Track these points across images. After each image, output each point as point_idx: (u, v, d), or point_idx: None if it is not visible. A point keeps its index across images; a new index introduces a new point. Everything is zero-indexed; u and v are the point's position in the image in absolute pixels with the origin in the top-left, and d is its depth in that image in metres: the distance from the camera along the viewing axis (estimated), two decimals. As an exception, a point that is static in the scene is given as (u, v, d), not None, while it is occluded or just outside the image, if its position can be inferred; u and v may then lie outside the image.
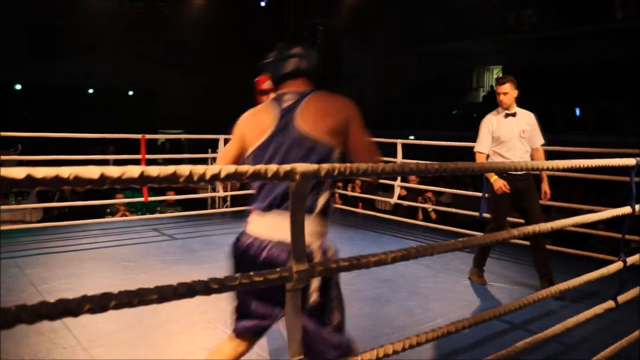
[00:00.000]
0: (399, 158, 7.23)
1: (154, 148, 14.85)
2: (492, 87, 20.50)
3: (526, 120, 4.56)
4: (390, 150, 7.38)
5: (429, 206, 7.65)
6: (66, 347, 3.19)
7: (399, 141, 7.32)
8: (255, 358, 3.15)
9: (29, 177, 1.10)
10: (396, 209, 8.12)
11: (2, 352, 2.95)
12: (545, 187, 4.68)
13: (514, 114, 4.54)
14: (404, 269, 4.88)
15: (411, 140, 9.01)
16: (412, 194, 8.13)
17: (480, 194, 6.24)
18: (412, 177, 7.93)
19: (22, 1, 13.99)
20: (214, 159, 7.80)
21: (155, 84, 17.16)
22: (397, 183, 7.53)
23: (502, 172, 4.40)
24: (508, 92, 4.49)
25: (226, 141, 7.51)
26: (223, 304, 3.85)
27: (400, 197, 7.64)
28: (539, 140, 4.62)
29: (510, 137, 4.52)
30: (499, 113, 4.58)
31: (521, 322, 3.77)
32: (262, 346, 3.30)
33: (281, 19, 17.62)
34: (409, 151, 7.31)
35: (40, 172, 1.13)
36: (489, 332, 3.56)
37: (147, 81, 16.84)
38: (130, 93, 18.19)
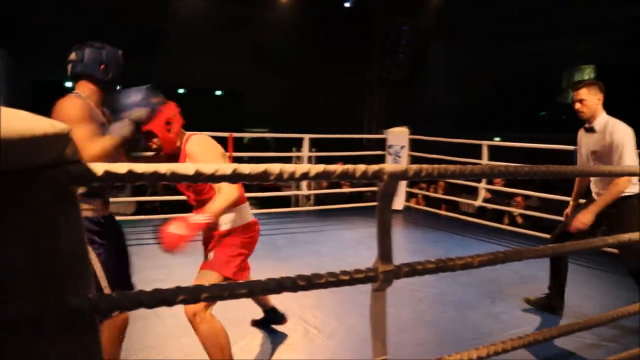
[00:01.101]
0: (484, 160, 7.06)
1: (240, 146, 15.26)
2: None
3: (604, 138, 3.58)
4: (475, 152, 7.22)
5: (515, 210, 7.42)
6: (158, 334, 3.34)
7: (485, 142, 7.14)
8: (336, 356, 3.18)
9: (130, 172, 1.17)
10: (481, 212, 7.93)
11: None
12: (584, 213, 3.58)
13: (592, 129, 3.66)
14: (490, 273, 4.76)
15: (496, 141, 8.78)
16: (497, 197, 7.92)
17: (570, 199, 5.99)
18: (497, 180, 7.72)
19: (118, 6, 14.70)
20: (298, 158, 7.91)
21: (242, 84, 17.58)
22: (482, 185, 7.35)
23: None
24: (585, 98, 3.60)
25: (311, 140, 7.64)
26: (305, 300, 3.93)
27: (485, 200, 7.46)
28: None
29: (582, 158, 3.81)
30: (584, 126, 3.77)
31: (612, 336, 3.59)
32: (346, 345, 3.32)
33: (366, 20, 17.59)
34: (494, 153, 7.13)
35: (140, 167, 1.19)
36: (579, 344, 3.41)
37: (234, 81, 17.28)
38: (218, 93, 18.75)
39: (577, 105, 3.64)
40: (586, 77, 19.68)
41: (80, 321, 1.25)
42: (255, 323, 3.57)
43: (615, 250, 4.96)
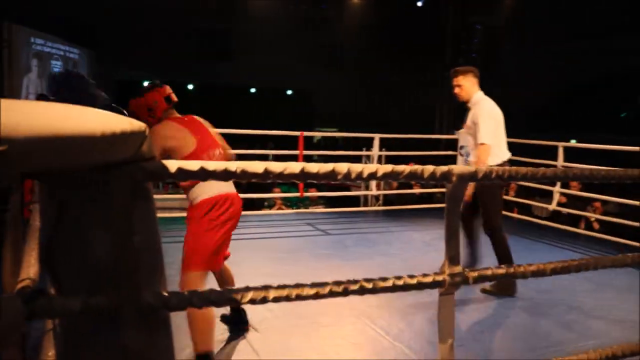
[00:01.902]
0: (560, 162, 6.81)
1: (310, 145, 15.41)
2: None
3: (473, 114, 4.36)
4: (550, 154, 6.97)
5: (592, 215, 7.12)
6: (225, 329, 3.41)
7: (561, 144, 6.89)
8: (402, 357, 3.15)
9: (202, 169, 1.20)
10: (555, 216, 7.65)
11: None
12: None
13: (469, 108, 4.44)
14: (563, 280, 4.57)
15: (573, 143, 8.45)
16: (572, 201, 7.61)
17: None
18: (574, 183, 7.42)
19: (194, 8, 15.11)
20: (368, 157, 7.90)
21: (313, 83, 17.73)
22: (557, 189, 7.10)
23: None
24: (462, 84, 4.36)
25: (381, 140, 7.60)
26: (373, 300, 3.91)
27: (559, 204, 7.20)
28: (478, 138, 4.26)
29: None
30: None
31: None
32: (412, 347, 3.29)
33: (438, 19, 17.34)
34: (570, 155, 6.87)
35: (212, 165, 1.22)
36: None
37: (304, 81, 17.44)
38: (289, 92, 18.98)
39: (456, 90, 4.38)
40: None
41: (154, 315, 1.29)
42: (224, 319, 3.46)
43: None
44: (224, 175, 1.20)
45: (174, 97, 3.15)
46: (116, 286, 1.23)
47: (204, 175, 1.19)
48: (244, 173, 1.18)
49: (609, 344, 1.91)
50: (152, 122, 2.99)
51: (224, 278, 3.31)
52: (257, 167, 1.19)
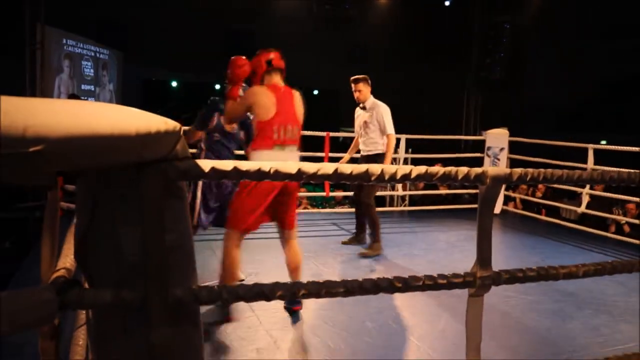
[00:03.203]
0: (590, 164, 6.71)
1: (336, 145, 15.40)
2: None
3: (372, 114, 5.42)
4: (578, 156, 6.87)
5: (622, 218, 7.00)
6: (250, 327, 3.43)
7: (591, 146, 6.79)
8: (426, 357, 3.14)
9: (235, 169, 1.21)
10: (583, 219, 7.54)
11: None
12: None
13: (365, 107, 5.50)
14: (591, 283, 4.51)
15: (603, 145, 8.31)
16: (601, 203, 7.49)
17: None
18: (597, 186, 7.29)
19: (220, 8, 15.22)
20: (394, 159, 7.87)
21: (338, 83, 17.71)
22: (586, 191, 7.00)
23: None
24: (362, 89, 5.45)
25: (408, 141, 7.56)
26: (398, 301, 3.91)
27: (588, 206, 7.09)
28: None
29: (357, 127, 5.63)
30: (359, 106, 5.63)
31: None
32: (436, 349, 3.28)
33: (466, 19, 17.19)
34: (600, 157, 6.76)
35: (245, 165, 1.23)
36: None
37: (330, 81, 17.43)
38: (315, 92, 18.99)
39: (357, 94, 5.48)
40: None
41: (182, 311, 1.30)
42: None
43: None
44: (257, 175, 1.21)
45: (277, 63, 3.45)
46: (145, 282, 1.25)
47: (238, 174, 1.20)
48: (277, 173, 1.19)
49: (638, 350, 1.89)
50: (254, 82, 3.46)
51: (288, 259, 3.55)
52: (290, 167, 1.20)
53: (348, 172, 1.21)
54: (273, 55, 3.45)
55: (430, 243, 5.95)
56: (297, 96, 3.50)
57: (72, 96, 9.27)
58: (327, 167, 1.21)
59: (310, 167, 1.20)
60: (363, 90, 5.45)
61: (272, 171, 1.19)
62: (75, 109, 1.13)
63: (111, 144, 1.14)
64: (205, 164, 1.25)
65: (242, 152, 4.51)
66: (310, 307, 3.75)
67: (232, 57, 3.61)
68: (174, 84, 17.90)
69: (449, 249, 5.75)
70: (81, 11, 11.70)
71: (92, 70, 11.29)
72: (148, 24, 14.33)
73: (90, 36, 11.36)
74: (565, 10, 16.19)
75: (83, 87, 10.80)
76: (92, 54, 11.32)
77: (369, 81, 5.52)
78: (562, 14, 16.20)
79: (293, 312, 3.62)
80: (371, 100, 5.45)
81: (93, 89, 11.46)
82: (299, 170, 1.19)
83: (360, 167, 1.21)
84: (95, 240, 1.26)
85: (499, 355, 3.24)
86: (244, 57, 3.60)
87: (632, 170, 1.65)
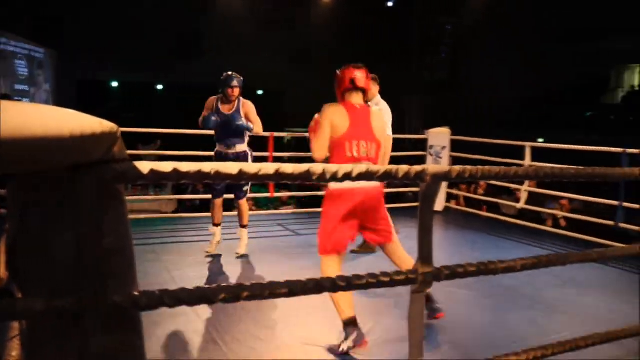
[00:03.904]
0: (527, 161, 6.93)
1: (280, 146, 15.37)
2: (632, 87, 19.03)
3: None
4: (518, 154, 7.09)
5: (558, 212, 7.26)
6: (196, 331, 3.39)
7: (528, 144, 7.01)
8: (372, 358, 3.17)
9: (175, 171, 1.18)
10: (522, 214, 7.77)
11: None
12: None
13: (370, 105, 5.80)
14: (528, 277, 4.63)
15: (540, 143, 8.60)
16: (535, 200, 7.74)
17: (616, 202, 5.86)
18: (532, 182, 7.53)
19: (163, 8, 14.95)
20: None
21: (283, 84, 17.67)
22: (524, 187, 7.22)
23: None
24: (370, 88, 5.05)
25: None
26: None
27: (526, 202, 7.32)
28: None
29: None
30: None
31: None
32: (381, 346, 3.31)
33: (409, 19, 17.46)
34: (537, 155, 7.00)
35: (185, 166, 1.21)
36: (622, 351, 3.32)
37: (274, 81, 17.38)
38: (260, 92, 18.89)
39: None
40: (636, 76, 19.13)
41: (121, 317, 1.27)
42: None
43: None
44: (198, 177, 1.19)
45: (358, 83, 3.44)
46: (82, 288, 1.21)
47: (178, 176, 1.18)
48: (218, 174, 1.18)
49: (572, 338, 1.96)
50: (337, 96, 3.55)
51: (397, 262, 3.55)
52: (231, 168, 1.19)
53: (289, 172, 1.20)
54: (358, 74, 3.46)
55: (375, 241, 6.00)
56: (374, 114, 3.51)
57: (4, 97, 8.91)
58: (268, 168, 1.20)
59: (251, 168, 1.19)
60: (372, 89, 5.17)
61: (212, 172, 1.17)
62: (5, 109, 1.09)
63: (43, 146, 1.10)
64: (144, 166, 1.22)
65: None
66: (252, 309, 3.72)
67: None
68: (114, 84, 17.46)
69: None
70: (13, 8, 11.26)
71: (26, 70, 10.90)
72: (86, 22, 13.90)
73: (23, 34, 10.94)
74: (507, 12, 16.67)
75: (17, 87, 10.41)
76: (26, 52, 10.92)
77: (378, 80, 5.36)
78: (504, 15, 16.67)
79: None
80: (377, 99, 5.36)
81: (28, 89, 11.06)
82: (240, 170, 1.17)
83: (302, 167, 1.21)
84: (26, 246, 1.21)
85: (442, 350, 3.31)
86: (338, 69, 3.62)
87: (564, 167, 1.70)
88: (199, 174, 1.19)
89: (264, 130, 5.51)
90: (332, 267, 3.31)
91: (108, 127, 1.19)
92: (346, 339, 3.17)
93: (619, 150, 5.93)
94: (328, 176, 1.22)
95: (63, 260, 1.21)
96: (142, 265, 4.59)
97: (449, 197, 8.42)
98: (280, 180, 1.22)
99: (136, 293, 1.26)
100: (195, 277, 4.41)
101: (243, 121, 5.01)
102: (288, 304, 3.84)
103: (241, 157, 5.09)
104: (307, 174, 1.21)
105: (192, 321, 3.51)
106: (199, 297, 1.26)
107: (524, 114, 17.93)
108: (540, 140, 14.05)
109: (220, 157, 5.11)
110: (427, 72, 16.85)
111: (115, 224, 1.26)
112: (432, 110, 16.42)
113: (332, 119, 3.35)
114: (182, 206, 8.91)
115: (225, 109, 5.11)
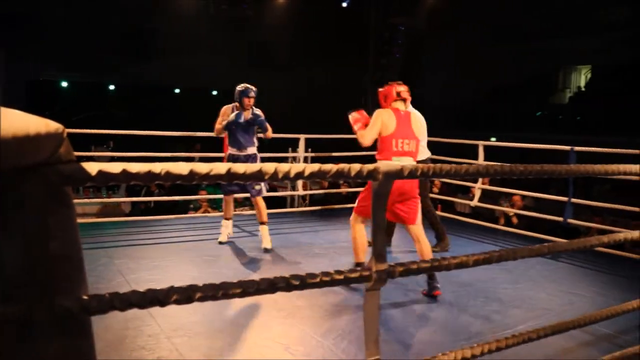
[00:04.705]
0: (481, 160, 7.07)
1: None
2: (579, 87, 19.61)
3: None
4: (471, 152, 7.23)
5: (510, 210, 7.43)
6: (150, 335, 3.33)
7: (481, 142, 7.16)
8: (329, 356, 3.18)
9: (124, 172, 1.16)
10: (476, 212, 7.93)
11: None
12: None
13: None
14: (483, 273, 4.76)
15: (492, 142, 8.78)
16: (492, 198, 7.91)
17: (565, 199, 6.03)
18: (485, 180, 7.70)
19: (115, 7, 14.65)
20: (294, 158, 7.90)
21: (237, 84, 17.58)
22: (477, 185, 7.37)
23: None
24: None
25: (307, 141, 7.63)
26: (300, 301, 3.93)
27: (480, 200, 7.47)
28: None
29: None
30: None
31: (607, 335, 3.60)
32: (339, 345, 3.32)
33: (362, 20, 17.58)
34: (490, 153, 7.14)
35: (134, 167, 1.19)
36: (573, 343, 3.43)
37: (229, 81, 17.26)
38: (214, 93, 18.73)
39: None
40: (582, 77, 19.70)
41: (71, 322, 1.24)
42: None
43: (609, 250, 5.05)
44: (148, 178, 1.17)
45: (403, 95, 4.33)
46: (28, 294, 1.18)
47: (127, 177, 1.16)
48: (168, 175, 1.16)
49: (525, 332, 2.01)
50: (384, 106, 4.33)
51: (418, 251, 4.29)
52: (182, 168, 1.17)
53: (241, 171, 1.19)
54: (402, 89, 4.34)
55: (332, 241, 6.03)
56: (415, 117, 4.36)
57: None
58: (220, 167, 1.19)
59: (202, 168, 1.17)
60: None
61: (162, 173, 1.15)
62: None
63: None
64: (92, 167, 1.19)
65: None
66: (210, 310, 3.69)
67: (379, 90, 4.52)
68: (64, 84, 17.02)
69: (350, 246, 5.85)
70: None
71: (-29, 70, 10.53)
72: (36, 21, 13.50)
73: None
74: (460, 14, 16.94)
75: (-39, 88, 10.03)
76: (-29, 52, 10.55)
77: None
78: (455, 17, 16.94)
79: (433, 297, 4.22)
80: (410, 107, 5.44)
81: (-27, 89, 10.68)
82: (191, 171, 1.16)
83: (254, 167, 1.20)
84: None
85: (398, 347, 3.34)
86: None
87: (513, 165, 1.75)
88: (149, 174, 1.17)
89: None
90: (359, 223, 4.36)
91: (53, 127, 1.16)
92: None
93: (567, 148, 6.11)
94: (280, 175, 1.22)
95: (10, 265, 1.17)
96: (96, 270, 4.49)
97: (405, 196, 8.51)
98: (233, 180, 1.22)
99: (85, 297, 1.23)
100: (151, 280, 4.35)
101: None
102: (264, 307, 3.83)
103: (251, 159, 5.59)
104: (259, 174, 1.20)
105: (148, 325, 3.45)
106: (150, 300, 1.24)
107: (477, 113, 18.29)
108: (493, 139, 14.36)
109: (233, 159, 5.56)
110: (381, 72, 17.00)
111: (62, 227, 1.23)
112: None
113: (384, 119, 4.18)
114: (137, 208, 8.77)
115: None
